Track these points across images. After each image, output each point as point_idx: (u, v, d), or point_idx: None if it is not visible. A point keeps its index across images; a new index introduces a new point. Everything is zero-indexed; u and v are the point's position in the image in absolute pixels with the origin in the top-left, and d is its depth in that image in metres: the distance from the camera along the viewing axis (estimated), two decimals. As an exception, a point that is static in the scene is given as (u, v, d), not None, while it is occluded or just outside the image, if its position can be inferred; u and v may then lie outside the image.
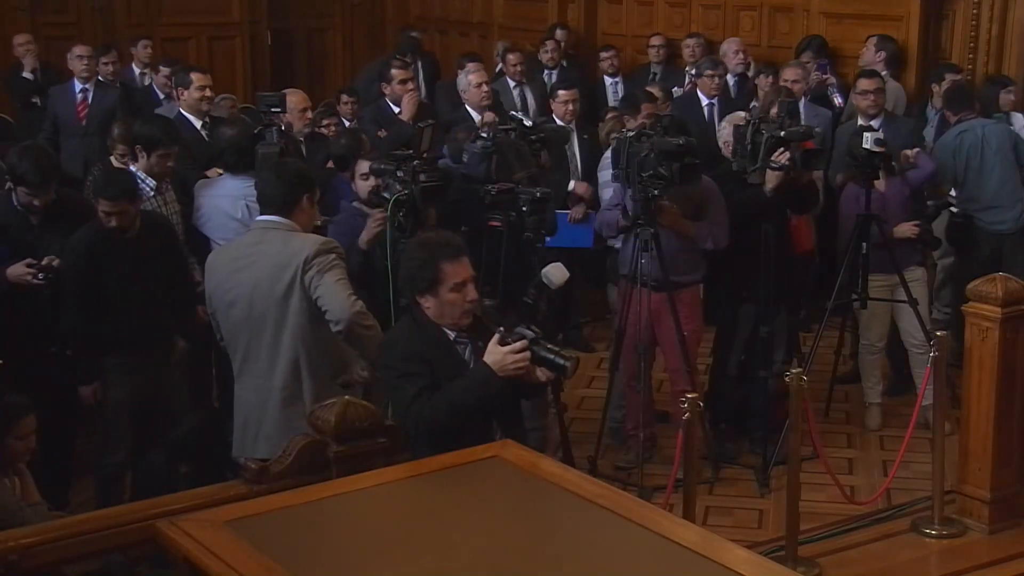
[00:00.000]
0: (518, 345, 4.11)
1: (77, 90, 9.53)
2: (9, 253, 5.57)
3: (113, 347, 5.64)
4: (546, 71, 10.58)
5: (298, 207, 4.94)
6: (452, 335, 4.31)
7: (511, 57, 10.12)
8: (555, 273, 4.55)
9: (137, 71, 10.60)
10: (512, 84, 9.93)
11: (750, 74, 9.57)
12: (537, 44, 11.05)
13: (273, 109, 6.63)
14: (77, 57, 9.55)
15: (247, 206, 6.10)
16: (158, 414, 5.79)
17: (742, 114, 6.84)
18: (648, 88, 8.62)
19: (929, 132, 8.42)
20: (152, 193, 6.17)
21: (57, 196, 5.67)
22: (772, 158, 6.18)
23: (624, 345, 6.39)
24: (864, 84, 7.76)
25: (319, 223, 5.80)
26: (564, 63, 10.86)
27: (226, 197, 6.13)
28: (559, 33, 11.26)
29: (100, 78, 9.73)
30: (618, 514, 3.38)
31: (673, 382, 6.55)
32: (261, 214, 5.00)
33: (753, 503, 6.21)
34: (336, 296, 4.75)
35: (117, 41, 11.15)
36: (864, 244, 6.67)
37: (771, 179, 6.25)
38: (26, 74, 10.15)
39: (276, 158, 5.97)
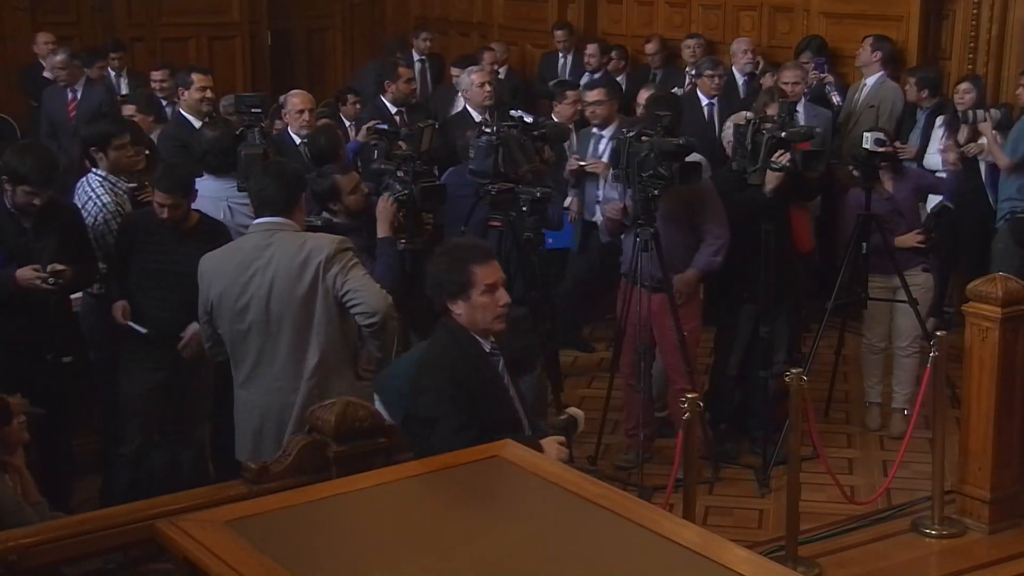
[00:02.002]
0: (565, 455, 4.12)
1: (68, 91, 9.58)
2: (3, 258, 5.54)
3: (133, 336, 5.67)
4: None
5: (297, 207, 4.96)
6: (487, 347, 4.21)
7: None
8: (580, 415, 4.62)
9: (112, 74, 10.63)
10: None
11: (757, 73, 9.58)
12: (542, 45, 11.09)
13: (253, 110, 6.63)
14: (58, 68, 9.59)
15: (229, 207, 6.09)
16: (174, 411, 5.83)
17: (745, 114, 6.84)
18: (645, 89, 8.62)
19: (916, 134, 8.46)
20: (125, 195, 6.06)
21: (48, 198, 5.60)
22: (772, 159, 6.17)
23: (624, 345, 6.39)
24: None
25: (319, 223, 5.83)
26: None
27: (207, 199, 6.03)
28: (558, 34, 11.27)
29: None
30: (618, 514, 3.38)
31: (673, 381, 6.55)
32: (259, 216, 4.97)
33: (753, 503, 6.21)
34: (369, 291, 4.77)
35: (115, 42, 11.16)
36: (864, 244, 6.67)
37: (771, 180, 6.25)
38: (47, 73, 10.19)
39: (260, 159, 5.98)
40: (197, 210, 5.75)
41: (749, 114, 6.79)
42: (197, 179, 6.18)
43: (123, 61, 10.79)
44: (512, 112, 7.65)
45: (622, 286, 6.49)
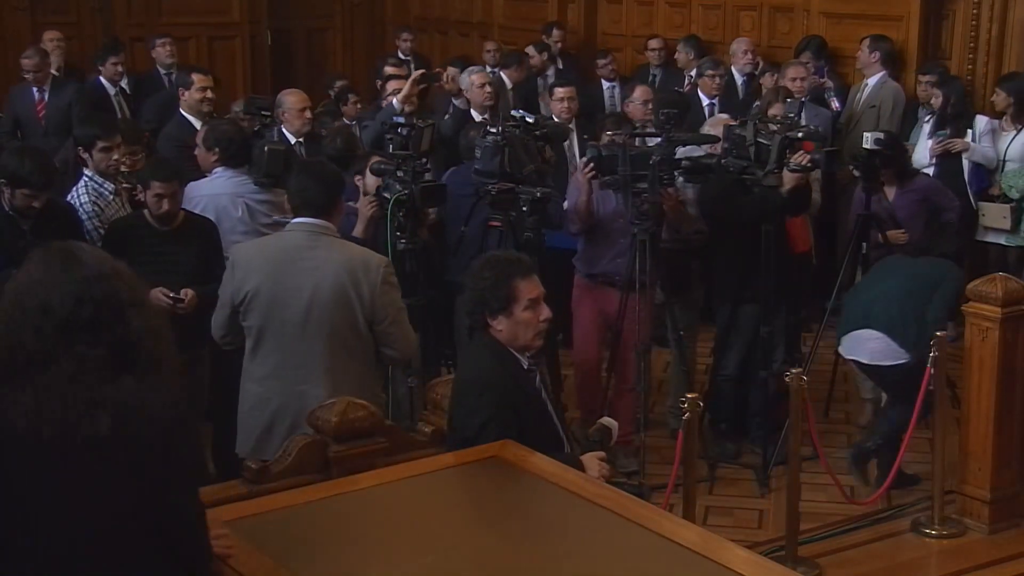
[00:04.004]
0: (607, 472, 4.02)
1: (35, 91, 9.48)
2: (2, 261, 5.52)
3: None
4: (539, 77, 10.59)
5: (336, 209, 4.93)
6: (525, 363, 4.11)
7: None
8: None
9: (163, 72, 10.55)
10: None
11: (757, 74, 9.60)
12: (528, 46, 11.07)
13: (263, 112, 6.66)
14: (32, 69, 9.46)
15: (247, 205, 6.09)
16: None
17: (726, 116, 6.86)
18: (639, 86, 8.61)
19: (916, 132, 8.49)
20: (112, 196, 6.06)
21: (47, 200, 5.58)
22: (793, 160, 6.15)
23: (623, 347, 6.40)
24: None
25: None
26: (560, 64, 10.87)
27: (226, 195, 6.07)
28: (556, 33, 11.26)
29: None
30: (618, 514, 3.39)
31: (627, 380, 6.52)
32: (297, 215, 4.90)
33: (753, 503, 6.21)
34: (406, 340, 4.90)
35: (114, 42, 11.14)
36: (864, 244, 6.67)
37: (789, 180, 6.22)
38: (52, 71, 10.15)
39: (283, 155, 6.03)
40: (183, 208, 5.74)
41: (726, 116, 6.81)
42: (210, 175, 6.21)
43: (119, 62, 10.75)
44: (513, 112, 7.67)
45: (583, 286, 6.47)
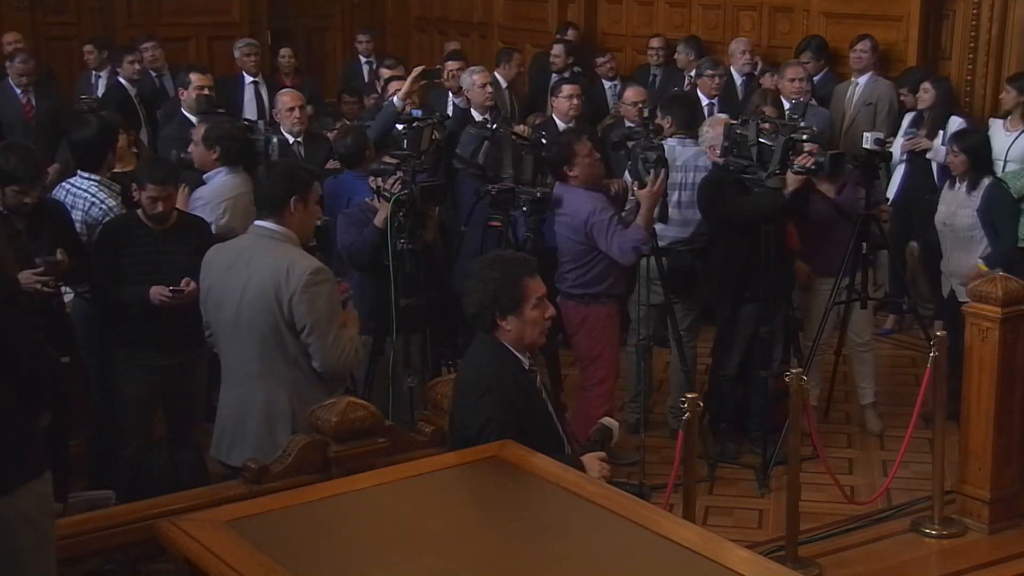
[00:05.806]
0: (607, 472, 4.01)
1: (18, 92, 9.48)
2: None
3: (127, 340, 5.67)
4: (553, 75, 10.59)
5: (286, 210, 4.74)
6: (526, 364, 4.10)
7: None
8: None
9: (100, 74, 10.54)
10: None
11: (756, 74, 9.60)
12: (543, 45, 11.07)
13: (219, 109, 6.73)
14: (19, 63, 9.49)
15: None
16: (175, 411, 5.86)
17: (724, 116, 6.84)
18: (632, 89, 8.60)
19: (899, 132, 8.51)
20: (119, 198, 5.99)
21: (39, 199, 5.56)
22: (797, 163, 6.14)
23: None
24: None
25: (319, 223, 5.81)
26: (576, 68, 10.88)
27: (247, 194, 5.91)
28: (572, 32, 11.25)
29: (123, 74, 9.73)
30: (618, 514, 3.39)
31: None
32: (257, 218, 4.90)
33: (753, 503, 6.21)
34: (330, 352, 4.69)
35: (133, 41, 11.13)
36: (864, 244, 6.66)
37: (792, 182, 6.21)
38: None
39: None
40: (177, 208, 5.74)
41: (724, 116, 6.79)
42: (210, 175, 6.19)
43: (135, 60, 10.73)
44: (507, 116, 7.69)
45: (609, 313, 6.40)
